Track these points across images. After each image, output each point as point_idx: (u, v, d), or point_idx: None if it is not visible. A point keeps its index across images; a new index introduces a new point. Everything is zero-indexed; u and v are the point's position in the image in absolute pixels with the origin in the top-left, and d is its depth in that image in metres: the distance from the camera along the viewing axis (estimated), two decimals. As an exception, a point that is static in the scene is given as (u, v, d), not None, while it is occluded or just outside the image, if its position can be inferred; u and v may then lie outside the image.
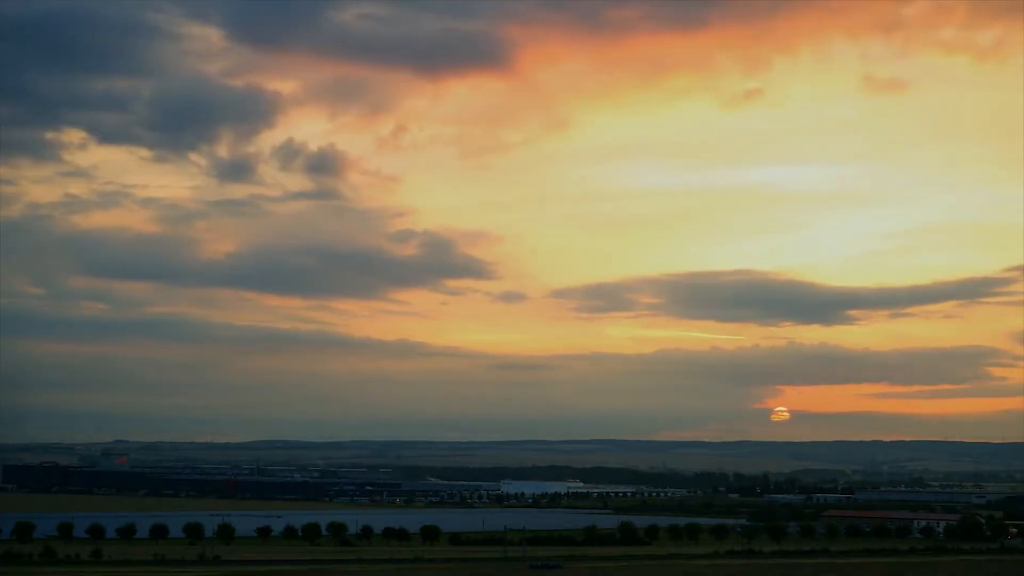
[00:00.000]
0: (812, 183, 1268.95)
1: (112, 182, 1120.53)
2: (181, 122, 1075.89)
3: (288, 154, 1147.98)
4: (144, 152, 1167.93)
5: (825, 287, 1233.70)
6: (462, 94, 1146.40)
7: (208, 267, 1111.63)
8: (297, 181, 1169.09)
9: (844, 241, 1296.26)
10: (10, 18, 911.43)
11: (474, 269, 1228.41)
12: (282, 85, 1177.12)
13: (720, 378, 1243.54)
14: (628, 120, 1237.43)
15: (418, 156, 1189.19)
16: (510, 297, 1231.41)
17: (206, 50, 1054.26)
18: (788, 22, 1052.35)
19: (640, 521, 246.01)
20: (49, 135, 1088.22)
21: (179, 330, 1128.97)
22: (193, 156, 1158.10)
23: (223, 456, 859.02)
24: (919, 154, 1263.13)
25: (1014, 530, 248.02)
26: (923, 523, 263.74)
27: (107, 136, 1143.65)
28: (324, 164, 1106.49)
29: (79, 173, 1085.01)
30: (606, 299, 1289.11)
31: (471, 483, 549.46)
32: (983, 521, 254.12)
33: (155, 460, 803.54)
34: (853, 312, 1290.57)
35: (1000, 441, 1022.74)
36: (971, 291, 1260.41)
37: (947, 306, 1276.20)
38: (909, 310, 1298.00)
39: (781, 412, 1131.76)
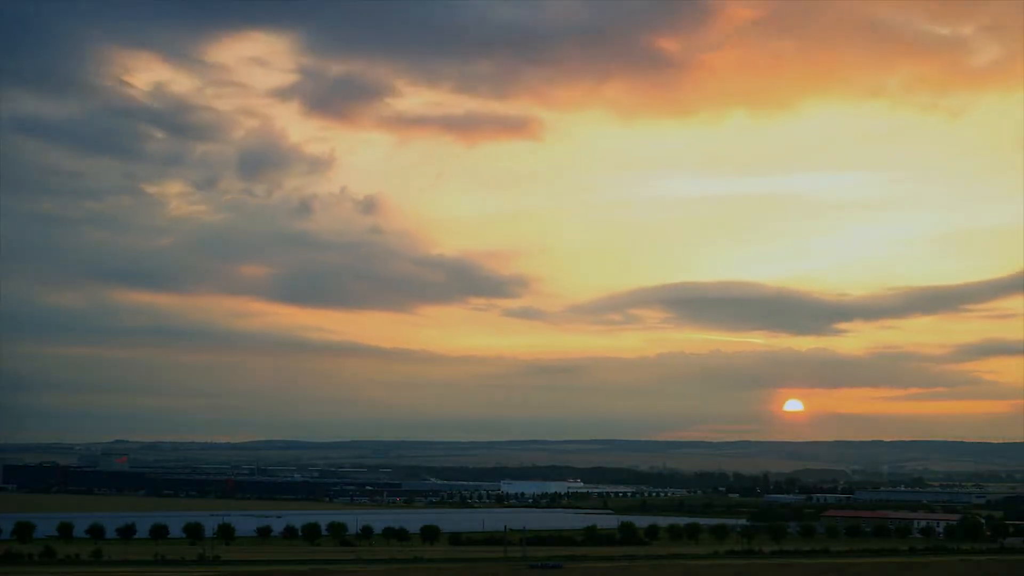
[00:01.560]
0: (817, 195, 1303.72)
1: (191, 219, 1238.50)
2: (260, 175, 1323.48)
3: (343, 198, 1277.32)
4: (223, 196, 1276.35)
5: (827, 295, 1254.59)
6: (493, 150, 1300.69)
7: (247, 283, 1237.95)
8: (349, 219, 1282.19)
9: (841, 250, 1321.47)
10: (141, 110, 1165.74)
11: (494, 289, 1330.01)
12: (344, 146, 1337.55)
13: (721, 380, 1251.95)
14: (641, 138, 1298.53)
15: (451, 197, 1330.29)
16: (528, 312, 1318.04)
17: (286, 123, 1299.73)
18: (792, 90, 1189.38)
19: (640, 521, 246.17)
20: (152, 188, 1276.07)
21: (208, 337, 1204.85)
22: (263, 200, 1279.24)
23: (223, 456, 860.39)
24: (917, 171, 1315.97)
25: None
26: (923, 523, 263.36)
27: (198, 185, 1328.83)
28: (372, 205, 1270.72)
29: (160, 208, 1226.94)
30: (613, 310, 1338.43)
31: (471, 483, 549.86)
32: (983, 521, 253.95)
33: (155, 460, 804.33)
34: (851, 320, 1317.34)
35: (1000, 441, 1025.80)
36: (968, 298, 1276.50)
37: (944, 314, 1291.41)
38: (904, 318, 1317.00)
39: (791, 409, 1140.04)
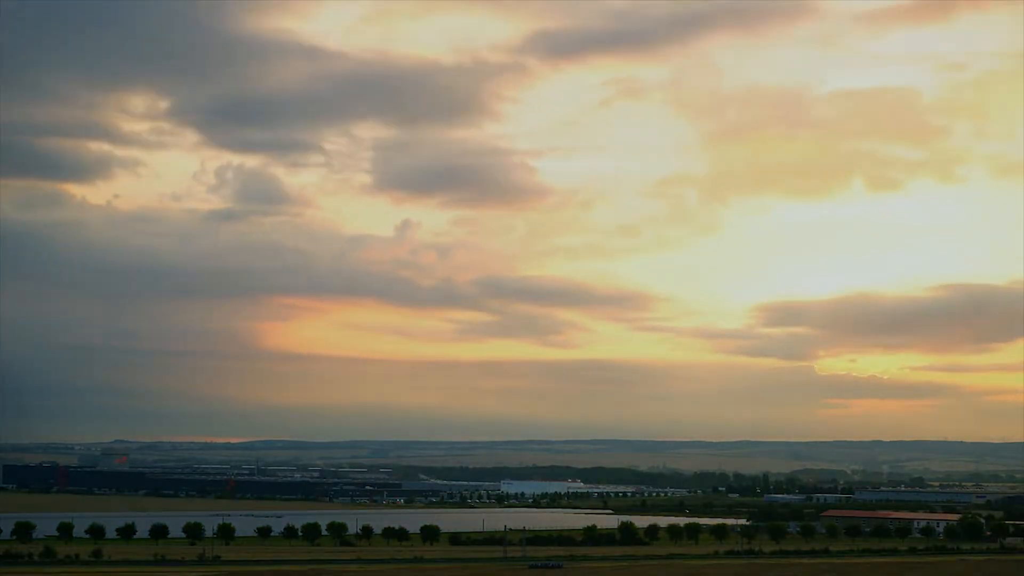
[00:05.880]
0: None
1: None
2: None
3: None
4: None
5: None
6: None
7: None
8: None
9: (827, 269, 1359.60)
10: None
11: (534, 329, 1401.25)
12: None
13: (722, 382, 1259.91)
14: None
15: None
16: (555, 343, 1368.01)
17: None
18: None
19: (640, 521, 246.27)
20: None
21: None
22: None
23: (223, 456, 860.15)
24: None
25: None
26: (923, 523, 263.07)
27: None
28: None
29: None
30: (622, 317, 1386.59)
31: (471, 483, 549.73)
32: (983, 521, 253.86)
33: (155, 460, 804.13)
34: (848, 331, 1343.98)
35: (1000, 441, 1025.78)
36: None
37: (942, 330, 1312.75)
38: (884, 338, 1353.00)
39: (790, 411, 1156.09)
